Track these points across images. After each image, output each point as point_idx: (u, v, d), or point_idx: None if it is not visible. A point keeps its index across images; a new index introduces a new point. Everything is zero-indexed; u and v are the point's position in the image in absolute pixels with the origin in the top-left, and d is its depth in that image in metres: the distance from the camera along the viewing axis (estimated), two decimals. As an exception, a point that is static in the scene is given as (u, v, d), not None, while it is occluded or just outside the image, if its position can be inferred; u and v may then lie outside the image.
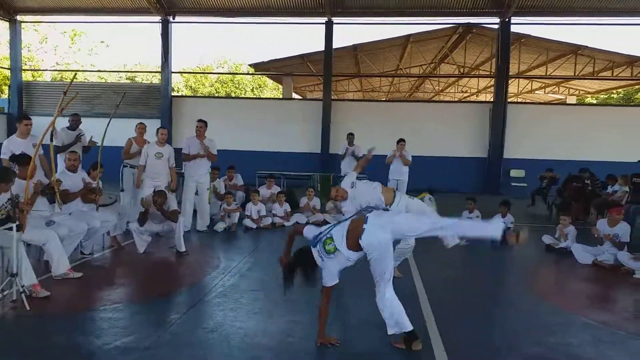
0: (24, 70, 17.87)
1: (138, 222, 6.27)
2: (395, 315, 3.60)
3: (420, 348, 3.61)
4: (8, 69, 17.34)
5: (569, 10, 14.76)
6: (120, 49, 53.69)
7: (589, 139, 15.08)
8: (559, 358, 3.59)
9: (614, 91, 26.89)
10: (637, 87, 23.83)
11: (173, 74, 17.17)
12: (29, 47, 26.19)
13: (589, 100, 27.82)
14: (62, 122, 7.73)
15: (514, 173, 15.20)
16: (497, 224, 3.71)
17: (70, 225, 5.43)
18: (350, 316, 4.46)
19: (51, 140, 5.52)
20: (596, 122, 15.31)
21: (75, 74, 6.10)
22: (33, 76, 25.00)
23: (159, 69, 16.74)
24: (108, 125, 6.39)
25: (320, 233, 3.76)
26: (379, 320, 3.70)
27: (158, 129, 7.60)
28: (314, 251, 3.75)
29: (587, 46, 16.53)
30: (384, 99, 25.70)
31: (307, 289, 3.89)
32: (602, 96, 28.95)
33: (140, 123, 7.86)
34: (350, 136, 11.05)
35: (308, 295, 4.68)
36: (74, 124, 7.58)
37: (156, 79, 17.09)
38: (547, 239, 7.19)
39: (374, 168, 11.38)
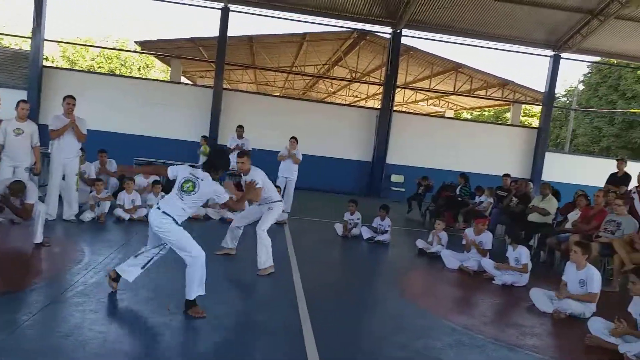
0: None
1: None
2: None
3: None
4: None
5: (453, 29, 15.89)
6: (-15, 6, 47.19)
7: (463, 151, 16.39)
8: (422, 361, 3.74)
9: (486, 109, 29.65)
10: (505, 107, 26.47)
11: (47, 42, 15.43)
12: None
13: (464, 115, 30.35)
14: None
15: (394, 178, 16.03)
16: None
17: None
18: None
19: None
20: (470, 136, 16.69)
21: None
22: None
23: (30, 35, 14.96)
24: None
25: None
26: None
27: (18, 102, 6.73)
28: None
29: (466, 65, 17.98)
30: (277, 94, 25.63)
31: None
32: (475, 113, 31.81)
33: (22, 101, 6.87)
34: (240, 129, 10.80)
35: (178, 297, 4.43)
36: None
37: (27, 46, 15.20)
38: (420, 243, 7.60)
39: (264, 164, 11.29)
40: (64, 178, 7.13)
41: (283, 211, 9.01)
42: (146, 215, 7.74)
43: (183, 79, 19.72)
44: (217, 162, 4.37)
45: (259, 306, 4.63)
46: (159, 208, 4.18)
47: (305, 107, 16.92)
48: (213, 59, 16.19)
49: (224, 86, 16.23)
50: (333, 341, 3.94)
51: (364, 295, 5.41)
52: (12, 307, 3.93)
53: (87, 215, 7.30)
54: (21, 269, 5.08)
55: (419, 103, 25.63)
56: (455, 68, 18.37)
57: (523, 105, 24.51)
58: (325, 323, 4.30)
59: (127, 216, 7.63)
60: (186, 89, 17.34)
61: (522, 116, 28.09)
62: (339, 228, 8.41)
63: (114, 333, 3.66)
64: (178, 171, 4.35)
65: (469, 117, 30.84)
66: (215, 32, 15.37)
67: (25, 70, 14.78)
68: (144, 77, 32.56)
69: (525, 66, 57.86)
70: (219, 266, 5.56)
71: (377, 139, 15.91)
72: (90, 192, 7.73)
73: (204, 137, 13.70)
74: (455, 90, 19.52)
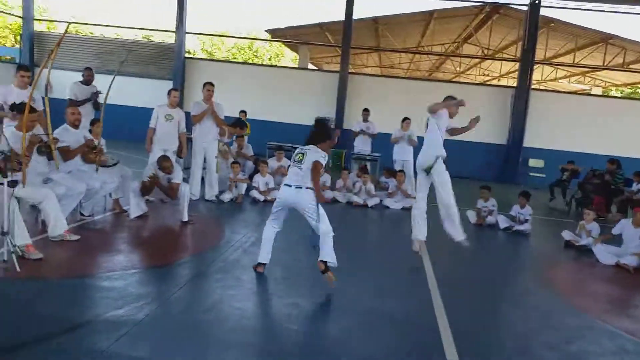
0: (36, 20, 17.43)
1: (140, 192, 6.01)
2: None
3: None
4: (21, 17, 16.94)
5: (602, -5, 14.03)
6: (137, 7, 52.85)
7: (614, 132, 14.52)
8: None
9: (641, 85, 26.02)
10: (665, 82, 22.97)
11: (188, 36, 16.69)
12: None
13: (613, 93, 26.97)
14: (74, 76, 7.49)
15: (532, 163, 14.73)
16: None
17: (69, 184, 5.17)
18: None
19: (46, 93, 5.22)
20: (622, 115, 14.72)
21: (69, 25, 5.74)
22: (48, 27, 24.59)
23: (174, 29, 16.28)
24: (112, 81, 6.08)
25: None
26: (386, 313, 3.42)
27: (170, 91, 7.32)
28: None
29: (618, 36, 15.81)
30: (403, 76, 25.07)
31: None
32: (627, 90, 28.09)
33: (174, 89, 7.49)
34: (365, 112, 10.66)
35: (312, 278, 4.45)
36: (88, 79, 7.27)
37: (172, 40, 16.61)
38: (567, 234, 6.83)
39: (381, 146, 11.09)
40: (205, 161, 7.61)
41: (410, 196, 8.75)
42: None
43: (310, 65, 20.11)
44: (317, 133, 4.51)
45: (391, 296, 4.43)
46: (289, 185, 4.35)
47: (432, 88, 16.19)
48: (339, 44, 16.22)
49: (350, 70, 16.19)
50: (472, 338, 3.64)
51: (505, 290, 4.99)
52: (161, 280, 4.27)
53: (226, 196, 7.73)
54: (171, 244, 5.53)
55: (560, 80, 23.27)
56: (605, 39, 16.23)
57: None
58: (462, 318, 3.99)
59: (261, 197, 7.95)
60: (313, 75, 17.66)
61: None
62: (471, 216, 7.91)
63: (249, 311, 3.76)
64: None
65: (619, 95, 27.32)
66: (341, 15, 15.34)
67: (170, 62, 16.14)
68: (274, 64, 33.99)
69: (693, 34, 49.61)
70: (354, 251, 5.51)
71: (512, 120, 14.73)
72: (229, 174, 8.17)
73: (242, 112, 11.51)
74: (605, 64, 17.31)
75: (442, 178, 5.40)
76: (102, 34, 26.01)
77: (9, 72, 15.40)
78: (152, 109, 7.28)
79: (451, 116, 5.54)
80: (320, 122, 4.59)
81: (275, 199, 7.24)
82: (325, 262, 4.25)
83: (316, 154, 4.37)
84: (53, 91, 5.98)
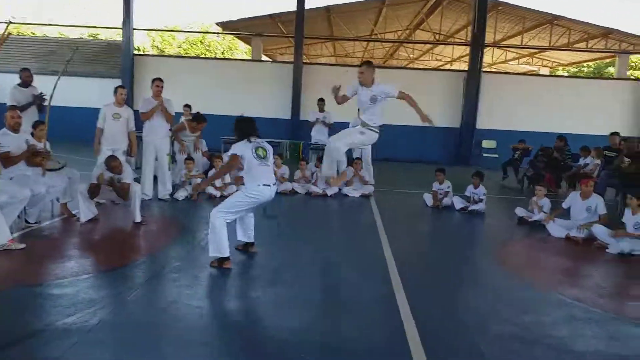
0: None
1: (88, 194, 5.79)
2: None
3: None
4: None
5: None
6: (84, 5, 50.81)
7: (561, 110, 15.07)
8: (532, 337, 3.39)
9: (586, 64, 27.01)
10: (607, 60, 23.96)
11: (138, 33, 16.23)
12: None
13: (560, 72, 27.93)
14: (16, 78, 7.12)
15: (485, 144, 15.13)
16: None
17: (11, 191, 4.91)
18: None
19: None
20: (568, 94, 15.28)
21: (8, 25, 5.45)
22: (-15, 29, 23.33)
23: (121, 26, 15.76)
24: (57, 81, 5.82)
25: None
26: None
27: (116, 88, 7.08)
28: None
29: (563, 16, 16.35)
30: (357, 64, 25.12)
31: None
32: (573, 69, 29.14)
33: (120, 87, 7.22)
34: (321, 102, 10.65)
35: (270, 272, 4.43)
36: (26, 80, 6.91)
37: (120, 38, 16.07)
38: (520, 211, 7.05)
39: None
40: (156, 159, 7.41)
41: (367, 183, 8.82)
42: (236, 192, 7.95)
43: (264, 57, 19.87)
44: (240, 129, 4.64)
45: (350, 281, 4.46)
46: (268, 185, 4.46)
47: (387, 75, 16.33)
48: (292, 34, 16.10)
49: (304, 60, 16.10)
50: (431, 316, 3.70)
51: (461, 268, 5.09)
52: (114, 283, 4.12)
53: (181, 194, 7.56)
54: (123, 246, 5.34)
55: (510, 62, 23.91)
56: (551, 20, 16.77)
57: (630, 56, 21.99)
58: (421, 297, 4.06)
59: (218, 193, 7.80)
60: (267, 67, 17.49)
61: (630, 69, 25.26)
62: (428, 198, 8.04)
63: (207, 309, 3.69)
64: (242, 150, 4.51)
65: (565, 74, 28.29)
66: (293, 5, 15.22)
67: (119, 60, 15.64)
68: (226, 57, 33.43)
69: (634, 11, 51.84)
70: (315, 241, 5.50)
71: (465, 103, 15.05)
72: (182, 170, 7.99)
73: (186, 105, 10.77)
74: (551, 45, 17.88)
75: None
76: (44, 34, 24.93)
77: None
78: (100, 108, 7.03)
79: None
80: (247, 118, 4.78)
81: (231, 193, 7.16)
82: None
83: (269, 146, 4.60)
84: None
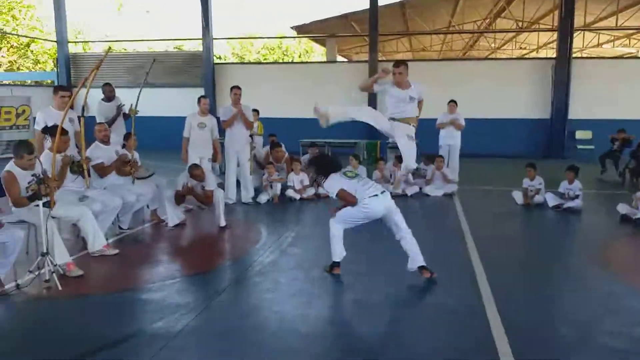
0: (70, 42, 18.01)
1: (175, 200, 6.04)
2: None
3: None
4: (55, 41, 17.55)
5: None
6: (163, 18, 53.87)
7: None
8: (644, 353, 3.02)
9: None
10: None
11: (218, 42, 16.84)
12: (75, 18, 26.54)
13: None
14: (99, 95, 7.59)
15: (579, 135, 14.01)
16: None
17: (104, 200, 5.23)
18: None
19: (82, 114, 5.28)
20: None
21: (109, 47, 5.80)
22: (84, 49, 25.43)
23: (201, 37, 16.44)
24: (140, 92, 6.13)
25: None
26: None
27: (199, 98, 7.31)
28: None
29: (667, -10, 14.79)
30: (435, 58, 24.41)
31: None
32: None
33: (203, 97, 7.46)
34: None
35: (350, 276, 4.34)
36: (110, 95, 7.34)
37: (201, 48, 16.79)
38: (622, 208, 6.39)
39: (423, 133, 10.72)
40: (238, 164, 7.59)
41: (451, 181, 8.45)
42: (316, 194, 7.95)
43: (339, 58, 19.86)
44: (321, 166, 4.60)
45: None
46: (377, 195, 4.28)
47: (467, 67, 15.72)
48: (366, 33, 15.94)
49: (379, 58, 15.87)
50: (524, 325, 3.41)
51: (558, 273, 4.67)
52: (201, 287, 4.26)
53: (263, 197, 7.69)
54: (209, 250, 5.52)
55: (603, 46, 22.05)
56: (652, -4, 15.24)
57: None
58: (513, 305, 3.77)
59: (297, 196, 7.86)
60: (342, 67, 17.49)
61: None
62: (517, 196, 7.54)
63: (288, 313, 3.66)
64: (340, 184, 4.41)
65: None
66: (366, 4, 15.05)
67: (200, 70, 16.32)
68: (303, 61, 33.91)
69: None
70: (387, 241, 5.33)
71: (555, 92, 14.05)
72: (263, 175, 8.13)
73: (255, 110, 8.94)
74: (651, 23, 16.24)
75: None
76: (135, 49, 26.72)
77: (50, 95, 16.01)
78: (186, 117, 7.32)
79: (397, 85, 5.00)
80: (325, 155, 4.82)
81: (312, 196, 7.13)
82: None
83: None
84: (90, 110, 6.03)
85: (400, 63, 4.98)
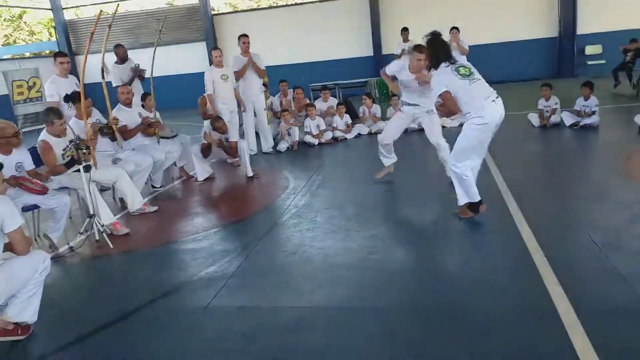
0: (64, 8, 17.68)
1: (201, 154, 6.19)
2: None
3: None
4: (49, 9, 17.24)
5: None
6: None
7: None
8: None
9: None
10: None
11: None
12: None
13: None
14: (112, 57, 7.55)
15: (589, 50, 13.77)
16: None
17: (136, 160, 5.40)
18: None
19: (102, 77, 5.34)
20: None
21: (101, 11, 5.70)
22: (76, 14, 24.90)
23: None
24: (154, 54, 6.14)
25: None
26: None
27: (211, 51, 7.22)
28: None
29: None
30: None
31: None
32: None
33: (214, 49, 7.25)
34: (405, 32, 10.24)
35: (382, 210, 4.51)
36: (123, 56, 7.30)
37: (195, 0, 16.39)
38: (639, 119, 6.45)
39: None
40: (255, 115, 7.65)
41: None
42: (334, 138, 8.05)
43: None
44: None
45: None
46: (494, 100, 3.70)
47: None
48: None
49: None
50: (557, 239, 3.60)
51: (582, 187, 4.82)
52: (242, 234, 4.46)
53: (282, 146, 7.81)
54: (242, 199, 5.75)
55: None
56: None
57: None
58: (543, 221, 3.93)
59: (315, 141, 7.96)
60: (341, 3, 16.94)
61: None
62: (533, 118, 7.59)
63: (331, 248, 3.86)
64: (446, 80, 3.76)
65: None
66: None
67: (199, 23, 16.03)
68: (297, 3, 32.87)
69: None
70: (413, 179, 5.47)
71: (561, 8, 13.68)
72: (279, 122, 8.21)
73: None
74: None
75: None
76: (126, 10, 26.11)
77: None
78: (194, 73, 7.31)
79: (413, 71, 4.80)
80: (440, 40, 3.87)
81: (330, 140, 7.18)
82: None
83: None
84: (110, 72, 6.03)
85: (422, 47, 4.30)
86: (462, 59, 9.00)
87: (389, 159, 5.36)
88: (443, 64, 3.76)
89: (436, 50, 3.82)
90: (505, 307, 2.76)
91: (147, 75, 6.90)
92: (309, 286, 3.27)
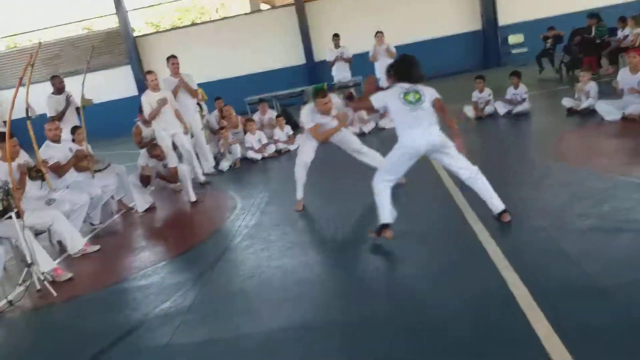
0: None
1: (141, 184, 5.91)
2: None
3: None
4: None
5: None
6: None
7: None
8: (614, 226, 3.33)
9: None
10: None
11: (133, 15, 15.93)
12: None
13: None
14: (38, 91, 7.11)
15: (512, 39, 14.43)
16: None
17: (72, 199, 5.08)
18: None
19: (27, 116, 4.99)
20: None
21: (40, 42, 5.35)
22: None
23: (115, 11, 15.51)
24: (83, 85, 5.83)
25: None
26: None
27: (145, 75, 6.75)
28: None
29: None
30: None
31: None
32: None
33: (147, 73, 6.76)
34: (336, 38, 10.30)
35: (336, 221, 4.46)
36: (60, 87, 6.81)
37: (115, 23, 15.82)
38: (567, 101, 6.79)
39: (361, 68, 10.75)
40: (192, 136, 7.39)
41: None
42: (277, 151, 7.94)
43: (263, 6, 19.18)
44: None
45: (417, 208, 4.47)
46: (424, 130, 3.65)
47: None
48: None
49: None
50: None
51: (522, 171, 5.00)
52: (194, 263, 4.27)
53: (224, 164, 7.62)
54: (188, 227, 5.50)
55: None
56: None
57: None
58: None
59: (258, 156, 7.81)
60: (268, 15, 16.92)
61: None
62: (469, 110, 7.82)
63: (288, 265, 3.77)
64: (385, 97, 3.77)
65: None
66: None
67: (122, 46, 15.48)
68: (222, 17, 32.53)
69: None
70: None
71: (482, 2, 14.27)
72: (219, 140, 8.01)
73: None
74: None
75: None
76: (40, 40, 24.80)
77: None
78: (121, 99, 7.01)
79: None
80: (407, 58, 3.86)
81: (273, 154, 7.02)
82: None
83: (430, 89, 3.80)
84: (35, 112, 5.63)
85: None
86: (390, 62, 9.26)
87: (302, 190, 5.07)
88: (399, 84, 3.75)
89: (400, 72, 3.81)
90: (464, 300, 2.79)
91: (95, 102, 6.57)
92: (270, 309, 3.16)
